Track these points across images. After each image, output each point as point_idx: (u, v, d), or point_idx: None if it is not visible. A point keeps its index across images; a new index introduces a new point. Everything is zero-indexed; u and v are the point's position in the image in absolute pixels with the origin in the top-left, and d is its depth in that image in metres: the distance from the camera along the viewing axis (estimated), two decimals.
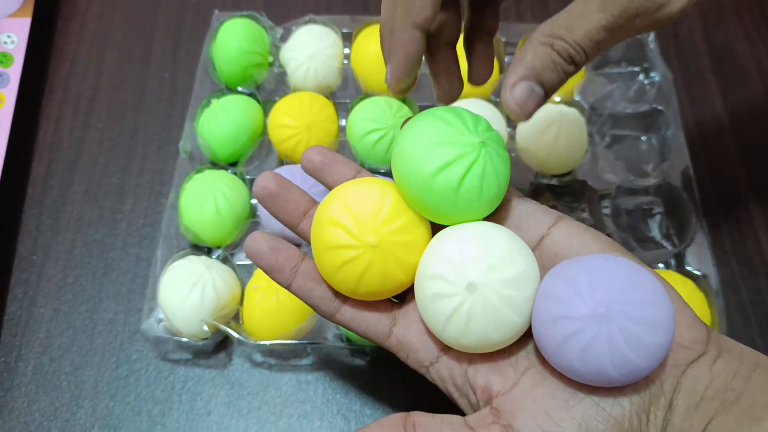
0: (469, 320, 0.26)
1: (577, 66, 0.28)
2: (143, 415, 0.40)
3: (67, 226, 0.47)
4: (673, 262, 0.44)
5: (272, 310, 0.40)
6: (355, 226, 0.27)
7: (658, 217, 0.47)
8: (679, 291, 0.39)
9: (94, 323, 0.43)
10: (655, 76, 0.52)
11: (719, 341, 0.26)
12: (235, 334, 0.39)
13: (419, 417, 0.27)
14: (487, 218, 0.29)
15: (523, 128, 0.48)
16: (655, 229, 0.46)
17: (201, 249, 0.44)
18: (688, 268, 0.43)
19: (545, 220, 0.29)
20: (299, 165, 0.44)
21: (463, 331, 0.26)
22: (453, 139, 0.27)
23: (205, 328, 0.40)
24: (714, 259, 0.44)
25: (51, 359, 0.42)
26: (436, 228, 0.29)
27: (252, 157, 0.48)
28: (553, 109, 0.47)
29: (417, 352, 0.29)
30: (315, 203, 0.31)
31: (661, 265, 0.44)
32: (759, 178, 0.49)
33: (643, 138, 0.50)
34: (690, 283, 0.41)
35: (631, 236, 0.45)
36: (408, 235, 0.28)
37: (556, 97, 0.49)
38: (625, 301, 0.24)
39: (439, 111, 0.28)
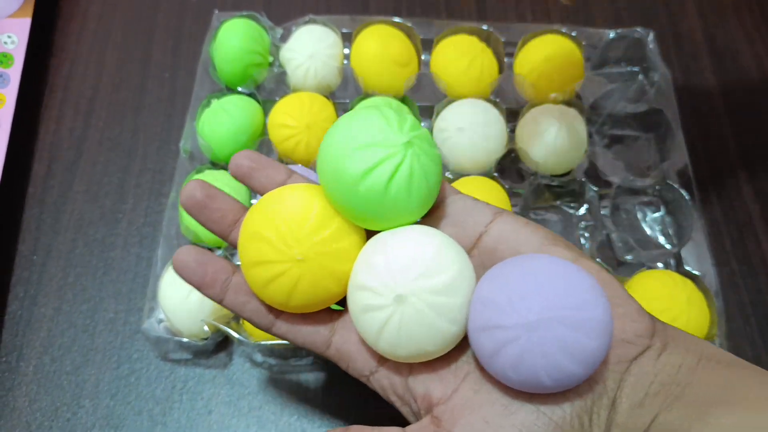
0: (401, 332, 0.25)
1: None
2: (144, 415, 0.40)
3: (68, 225, 0.47)
4: (672, 261, 0.44)
5: None
6: (279, 239, 0.26)
7: (657, 217, 0.47)
8: (678, 291, 0.40)
9: (95, 323, 0.43)
10: (655, 75, 0.52)
11: (665, 332, 0.26)
12: (236, 335, 0.40)
13: (358, 430, 0.26)
14: (424, 216, 0.28)
15: (522, 128, 0.48)
16: (654, 229, 0.46)
17: None
18: (688, 267, 0.43)
19: (483, 217, 0.28)
20: (299, 165, 0.44)
21: (395, 343, 0.26)
22: (377, 140, 0.25)
23: (206, 328, 0.40)
24: (713, 258, 0.44)
25: (52, 359, 0.42)
26: (371, 233, 0.28)
27: None
28: (553, 109, 0.47)
29: (356, 362, 0.28)
30: (246, 210, 0.30)
31: (660, 264, 0.44)
32: (758, 178, 0.49)
33: (643, 138, 0.50)
34: (689, 283, 0.41)
35: (630, 236, 0.45)
36: (338, 244, 0.27)
37: (555, 96, 0.49)
38: (558, 306, 0.23)
39: (363, 111, 0.27)
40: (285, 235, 0.26)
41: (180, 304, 0.40)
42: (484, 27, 0.51)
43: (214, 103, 0.48)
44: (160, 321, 0.41)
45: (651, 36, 0.52)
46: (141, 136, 0.51)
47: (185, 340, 0.40)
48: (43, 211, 0.48)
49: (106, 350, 0.43)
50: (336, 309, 0.30)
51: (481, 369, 0.26)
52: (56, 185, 0.49)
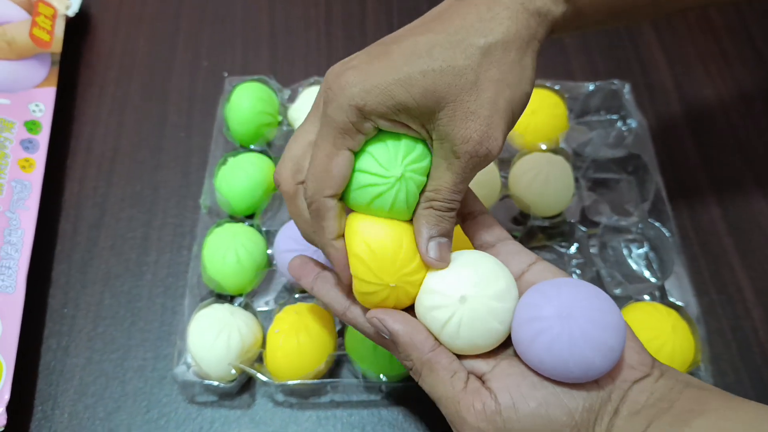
0: (461, 327, 0.32)
1: (455, 209, 0.34)
2: None
3: (96, 279, 0.50)
4: (657, 293, 0.49)
5: (294, 353, 0.43)
6: (378, 268, 0.33)
7: (641, 253, 0.51)
8: (663, 321, 0.44)
9: (124, 370, 0.46)
10: (632, 122, 0.57)
11: (661, 367, 0.32)
12: (261, 376, 0.43)
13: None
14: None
15: (514, 175, 0.52)
16: (639, 265, 0.51)
17: (224, 297, 0.48)
18: (672, 299, 0.47)
19: (526, 260, 0.36)
20: None
21: (455, 336, 0.33)
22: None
23: (233, 371, 0.43)
24: (694, 289, 0.48)
25: (85, 406, 0.45)
26: None
27: (266, 209, 0.52)
28: (541, 157, 0.52)
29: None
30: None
31: (646, 297, 0.48)
32: (731, 214, 0.54)
33: (624, 180, 0.55)
34: (674, 313, 0.45)
35: (617, 271, 0.50)
36: (418, 275, 0.34)
37: (543, 146, 0.54)
38: (584, 307, 0.30)
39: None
40: (380, 263, 0.33)
41: (208, 349, 0.43)
42: None
43: (230, 161, 0.52)
44: (189, 366, 0.44)
45: (627, 87, 0.57)
46: (161, 193, 0.55)
47: (213, 383, 0.43)
48: (72, 266, 0.51)
49: (137, 396, 0.45)
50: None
51: (519, 359, 0.33)
52: (83, 242, 0.52)
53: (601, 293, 0.32)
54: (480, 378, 0.33)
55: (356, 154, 0.33)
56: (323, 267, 0.38)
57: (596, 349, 0.30)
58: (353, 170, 0.33)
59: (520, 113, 0.33)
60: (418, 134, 0.32)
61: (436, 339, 0.33)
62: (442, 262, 0.34)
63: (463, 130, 0.31)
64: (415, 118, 0.31)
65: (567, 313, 0.30)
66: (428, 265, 0.34)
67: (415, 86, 0.30)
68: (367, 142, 0.33)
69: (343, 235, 0.34)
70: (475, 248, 0.37)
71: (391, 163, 0.32)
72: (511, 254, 0.36)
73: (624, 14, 0.38)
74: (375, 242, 0.33)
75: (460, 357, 0.34)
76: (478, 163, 0.32)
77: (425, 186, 0.33)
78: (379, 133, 0.33)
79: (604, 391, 0.31)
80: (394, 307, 0.34)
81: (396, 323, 0.33)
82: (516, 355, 0.33)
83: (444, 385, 0.32)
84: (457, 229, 0.38)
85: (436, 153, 0.33)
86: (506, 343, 0.34)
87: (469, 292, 0.32)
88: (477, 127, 0.31)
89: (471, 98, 0.30)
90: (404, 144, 0.33)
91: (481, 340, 0.33)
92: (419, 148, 0.33)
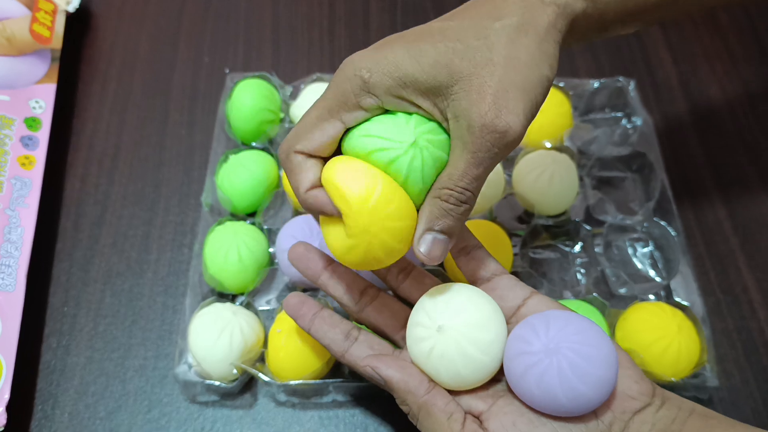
0: (443, 358, 0.32)
1: (467, 203, 0.31)
2: None
3: (97, 277, 0.50)
4: (662, 293, 0.48)
5: (296, 352, 0.42)
6: (352, 212, 0.31)
7: (646, 253, 0.51)
8: (669, 320, 0.44)
9: (125, 369, 0.46)
10: (637, 120, 0.56)
11: (663, 394, 0.32)
12: (263, 376, 0.42)
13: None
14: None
15: (518, 173, 0.52)
16: (644, 263, 0.50)
17: (225, 296, 0.47)
18: (677, 299, 0.46)
19: (521, 294, 0.35)
20: (310, 215, 0.48)
21: (438, 367, 0.33)
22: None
23: (234, 370, 0.43)
24: (699, 289, 0.47)
25: (86, 405, 0.45)
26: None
27: (268, 207, 0.51)
28: (546, 155, 0.51)
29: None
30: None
31: (651, 296, 0.48)
32: (737, 213, 0.54)
33: (629, 179, 0.55)
34: (679, 313, 0.45)
35: (622, 271, 0.49)
36: (400, 222, 0.32)
37: (547, 144, 0.53)
38: (572, 340, 0.30)
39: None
40: (359, 211, 0.31)
41: (210, 348, 0.42)
42: None
43: (232, 158, 0.51)
44: (190, 366, 0.44)
45: (632, 85, 0.57)
46: (162, 191, 0.54)
47: (214, 383, 0.43)
48: (72, 264, 0.50)
49: (138, 395, 0.45)
50: (396, 348, 0.37)
51: (513, 393, 0.32)
52: (84, 239, 0.52)
53: (592, 325, 0.31)
54: (477, 417, 0.32)
55: (360, 124, 0.32)
56: (321, 306, 0.38)
57: (586, 381, 0.29)
58: (358, 137, 0.32)
59: (541, 97, 0.31)
60: (430, 115, 0.31)
61: (431, 380, 0.33)
62: (431, 260, 0.32)
63: (480, 103, 0.29)
64: (425, 94, 0.30)
65: (555, 347, 0.30)
66: (419, 259, 0.32)
67: (425, 57, 0.29)
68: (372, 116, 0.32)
69: (318, 184, 0.33)
70: (470, 284, 0.36)
71: (401, 132, 0.31)
72: (507, 289, 0.35)
73: (645, 14, 0.36)
74: (351, 185, 0.31)
75: (456, 394, 0.33)
76: (496, 141, 0.29)
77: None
78: (387, 111, 0.32)
79: (603, 424, 0.30)
80: (375, 261, 0.33)
81: (389, 369, 0.33)
82: (509, 389, 0.33)
83: (441, 427, 0.31)
84: (454, 265, 0.37)
85: (452, 135, 0.31)
86: (500, 378, 0.34)
87: (446, 322, 0.32)
88: (494, 101, 0.29)
89: (487, 73, 0.29)
90: (415, 117, 0.31)
91: (465, 370, 0.32)
92: (433, 124, 0.31)
